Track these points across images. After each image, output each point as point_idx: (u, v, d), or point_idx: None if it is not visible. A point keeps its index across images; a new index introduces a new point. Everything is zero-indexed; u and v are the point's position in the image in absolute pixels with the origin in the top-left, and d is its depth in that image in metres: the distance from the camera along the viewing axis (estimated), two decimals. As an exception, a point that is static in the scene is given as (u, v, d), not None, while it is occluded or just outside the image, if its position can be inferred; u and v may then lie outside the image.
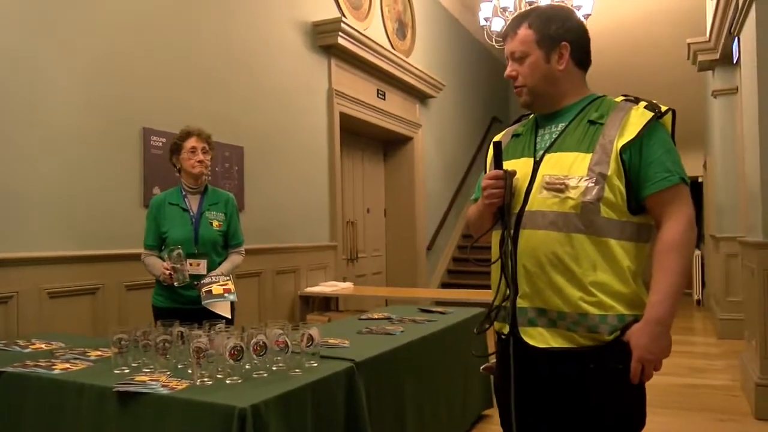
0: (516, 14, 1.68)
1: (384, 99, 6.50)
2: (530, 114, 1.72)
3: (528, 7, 5.95)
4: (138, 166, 3.65)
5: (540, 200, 1.47)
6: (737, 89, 6.03)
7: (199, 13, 4.13)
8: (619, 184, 1.43)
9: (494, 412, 3.67)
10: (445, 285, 7.82)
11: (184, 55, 3.99)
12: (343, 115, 5.77)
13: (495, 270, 1.58)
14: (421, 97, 7.35)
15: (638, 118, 1.46)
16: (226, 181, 4.30)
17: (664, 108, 1.49)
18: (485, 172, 1.71)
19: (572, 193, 1.43)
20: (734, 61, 5.42)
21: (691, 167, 10.76)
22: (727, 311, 6.36)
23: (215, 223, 2.99)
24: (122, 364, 2.07)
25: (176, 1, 3.94)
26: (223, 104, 4.30)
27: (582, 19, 6.08)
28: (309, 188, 5.32)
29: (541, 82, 1.55)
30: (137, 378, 1.92)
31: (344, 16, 5.63)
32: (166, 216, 2.96)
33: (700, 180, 10.42)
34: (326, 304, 5.37)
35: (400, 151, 7.28)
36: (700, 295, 9.26)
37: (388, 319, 3.30)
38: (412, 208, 7.24)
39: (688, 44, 6.75)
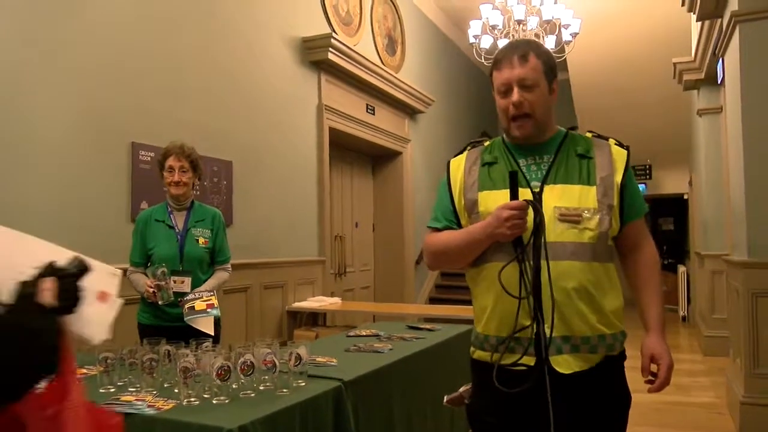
0: (513, 42, 1.68)
1: (373, 114, 6.53)
2: (482, 141, 1.72)
3: (517, 27, 6.03)
4: (126, 181, 3.63)
5: (558, 232, 1.51)
6: (722, 108, 6.12)
7: (189, 28, 4.13)
8: (617, 214, 1.57)
9: (482, 430, 3.66)
10: (433, 300, 7.82)
11: (174, 70, 3.99)
12: (332, 130, 5.78)
13: (507, 301, 1.52)
14: (411, 113, 7.39)
15: (619, 154, 1.62)
16: (214, 195, 4.29)
17: (626, 145, 1.65)
18: (449, 196, 1.67)
19: (590, 224, 1.52)
20: (719, 82, 5.50)
21: (677, 184, 10.87)
22: (712, 328, 6.41)
23: (201, 240, 2.98)
24: (108, 383, 2.05)
25: (166, 15, 3.95)
26: (212, 118, 4.29)
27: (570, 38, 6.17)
28: (297, 202, 5.32)
29: (544, 113, 1.60)
30: (123, 397, 1.90)
31: (334, 31, 5.66)
32: (151, 233, 2.94)
33: (685, 197, 10.52)
34: (314, 319, 5.35)
35: (389, 166, 7.30)
36: (686, 312, 9.33)
37: (376, 336, 3.29)
38: (400, 222, 7.25)
39: (674, 64, 6.85)
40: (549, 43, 6.09)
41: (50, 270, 0.91)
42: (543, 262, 1.48)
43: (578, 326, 1.49)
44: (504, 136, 1.69)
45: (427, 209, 7.86)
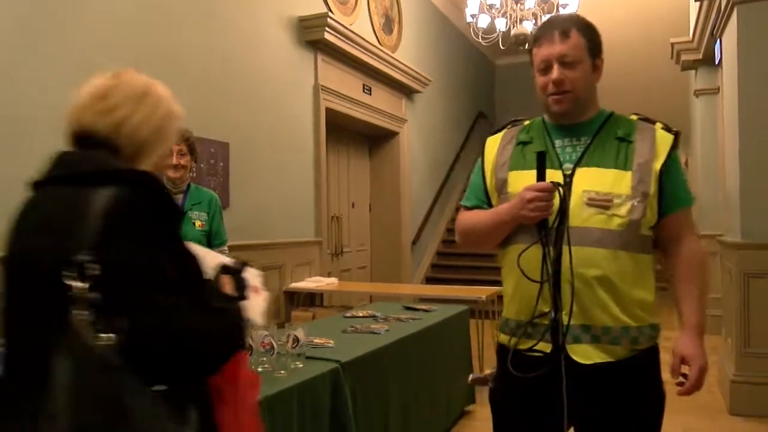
0: (555, 17, 1.61)
1: (370, 94, 6.50)
2: (522, 120, 1.67)
3: (515, 6, 5.97)
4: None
5: (585, 216, 1.45)
6: (719, 89, 6.11)
7: (185, 9, 4.09)
8: (654, 203, 1.48)
9: (477, 408, 3.72)
10: (429, 279, 7.86)
11: (169, 50, 3.96)
12: (329, 111, 5.76)
13: (527, 286, 1.48)
14: (407, 93, 7.36)
15: (663, 139, 1.52)
16: (211, 177, 4.29)
17: (674, 130, 1.55)
18: (482, 174, 1.64)
19: (620, 211, 1.44)
20: (716, 62, 5.49)
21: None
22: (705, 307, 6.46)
23: (198, 223, 2.98)
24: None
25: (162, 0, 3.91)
26: (208, 100, 4.27)
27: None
28: (294, 183, 5.32)
29: (585, 91, 1.52)
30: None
31: (331, 11, 5.61)
32: None
33: (681, 177, 10.54)
34: (311, 299, 5.38)
35: (385, 146, 7.29)
36: (680, 291, 9.39)
37: (373, 317, 3.32)
38: (397, 202, 7.26)
39: (672, 44, 6.82)
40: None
41: (224, 269, 1.22)
42: (565, 248, 1.42)
43: (599, 316, 1.43)
44: (544, 116, 1.62)
45: (423, 189, 7.89)
